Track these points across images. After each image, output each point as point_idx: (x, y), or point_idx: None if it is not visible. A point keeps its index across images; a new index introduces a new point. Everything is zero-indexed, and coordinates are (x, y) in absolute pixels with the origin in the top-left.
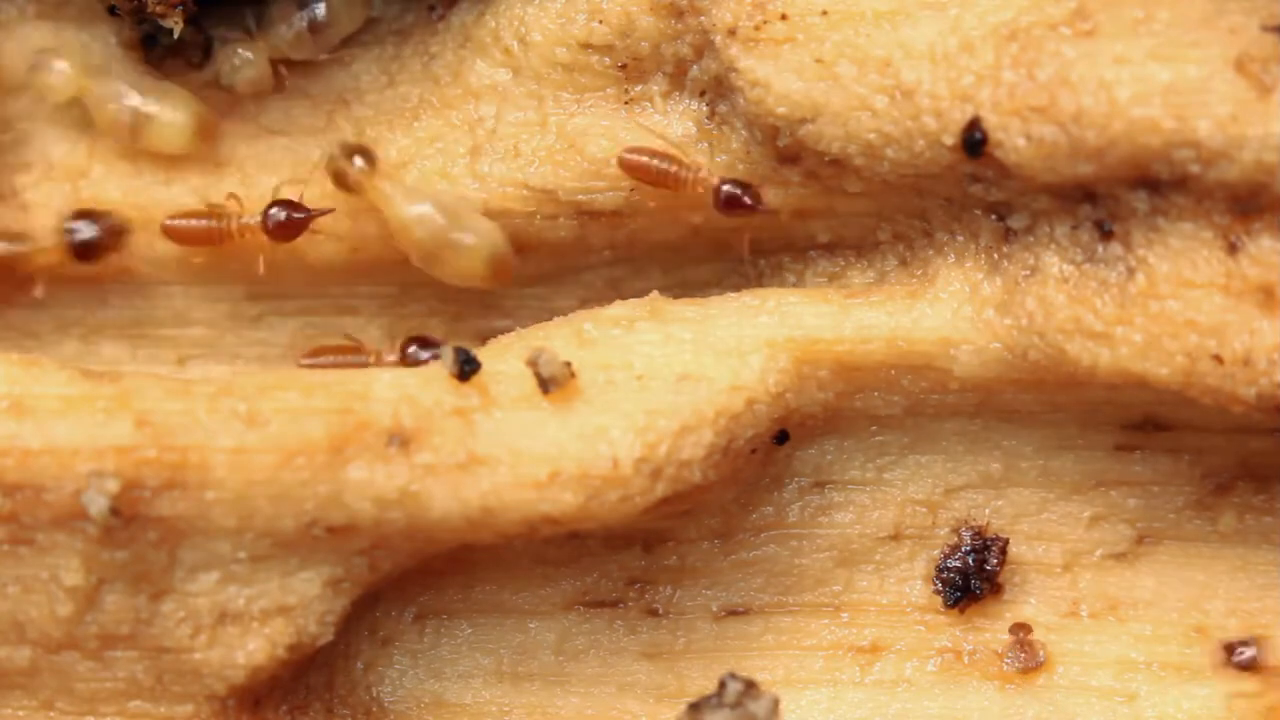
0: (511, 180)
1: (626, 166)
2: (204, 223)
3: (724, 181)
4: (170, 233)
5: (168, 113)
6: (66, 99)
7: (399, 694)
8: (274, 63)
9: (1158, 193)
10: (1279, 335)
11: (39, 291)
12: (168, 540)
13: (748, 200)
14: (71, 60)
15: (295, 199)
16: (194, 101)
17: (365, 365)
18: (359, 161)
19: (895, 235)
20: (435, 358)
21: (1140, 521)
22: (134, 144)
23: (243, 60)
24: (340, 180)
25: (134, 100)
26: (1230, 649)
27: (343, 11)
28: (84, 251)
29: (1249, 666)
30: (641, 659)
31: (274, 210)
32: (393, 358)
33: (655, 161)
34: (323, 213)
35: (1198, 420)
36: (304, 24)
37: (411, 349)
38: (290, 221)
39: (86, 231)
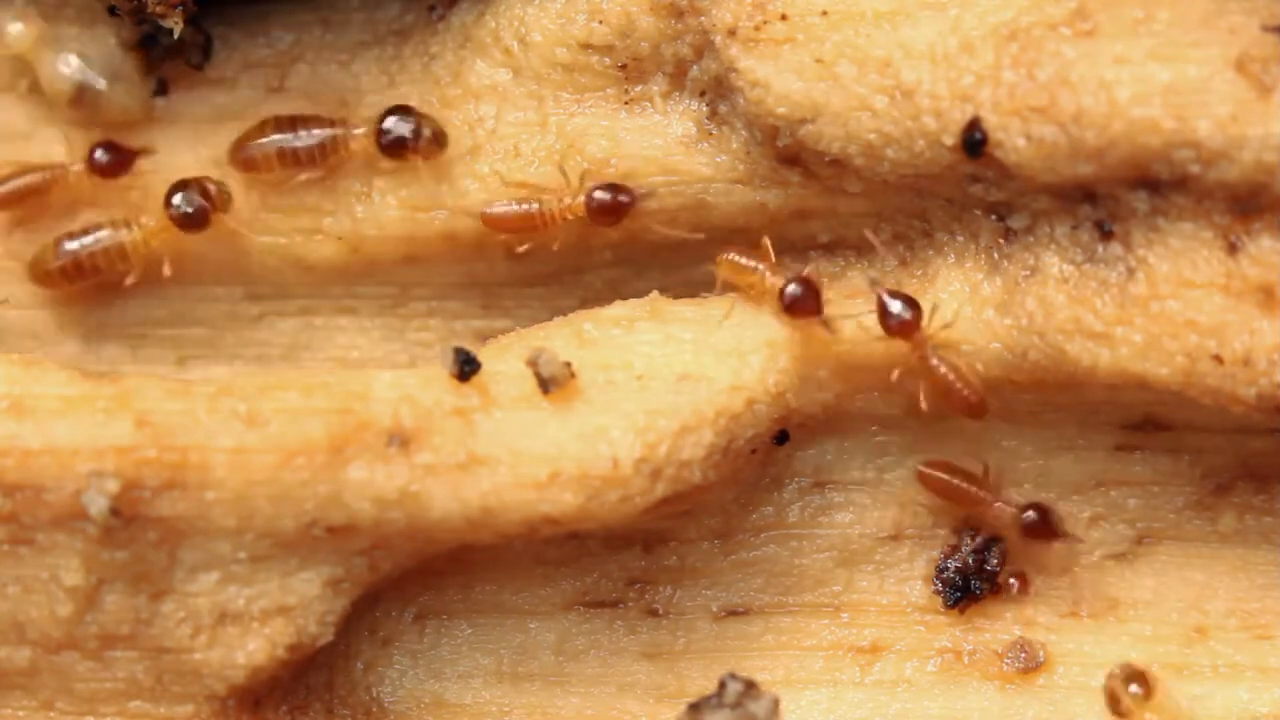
0: (511, 180)
1: (925, 480)
2: (525, 207)
3: (1026, 512)
4: (491, 221)
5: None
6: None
7: (399, 694)
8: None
9: (1158, 193)
10: (1279, 335)
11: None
12: (168, 540)
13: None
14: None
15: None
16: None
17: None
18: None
19: (895, 235)
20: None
21: (1140, 521)
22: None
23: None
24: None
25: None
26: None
27: (117, 96)
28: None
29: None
30: (641, 659)
31: (598, 192)
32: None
33: (956, 481)
34: (644, 196)
35: (1198, 420)
36: (76, 80)
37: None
38: (616, 204)
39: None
